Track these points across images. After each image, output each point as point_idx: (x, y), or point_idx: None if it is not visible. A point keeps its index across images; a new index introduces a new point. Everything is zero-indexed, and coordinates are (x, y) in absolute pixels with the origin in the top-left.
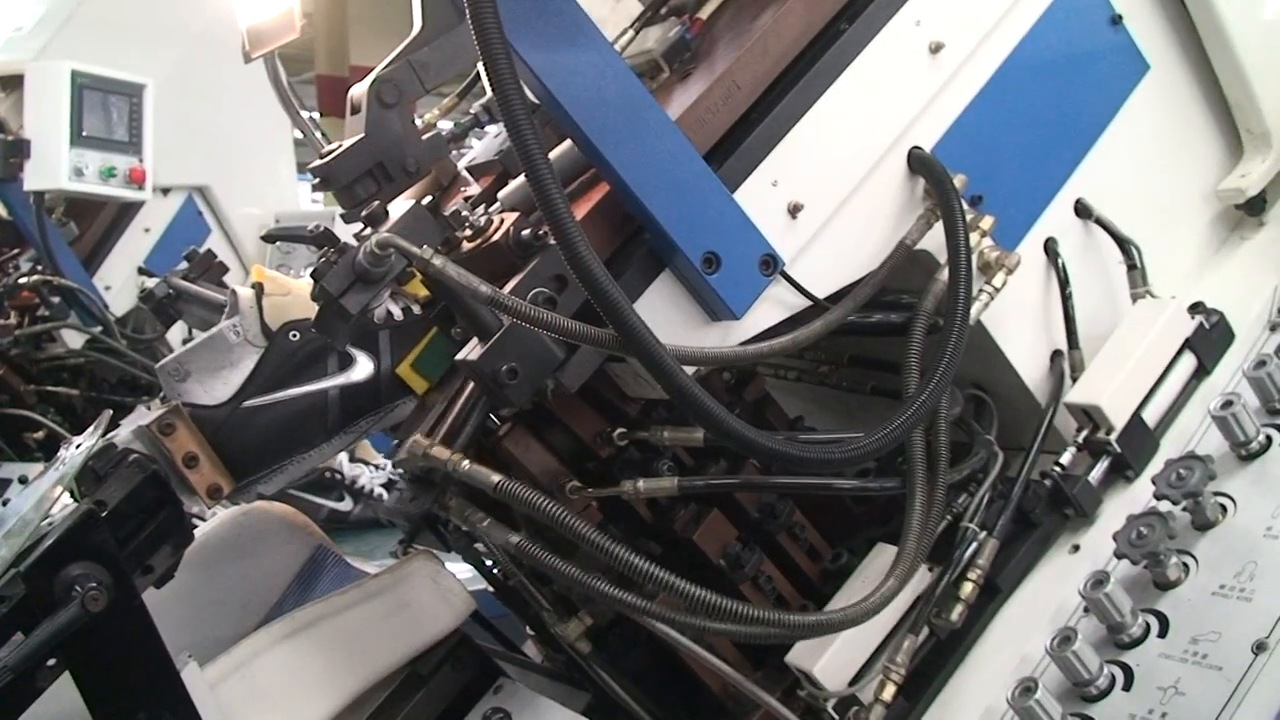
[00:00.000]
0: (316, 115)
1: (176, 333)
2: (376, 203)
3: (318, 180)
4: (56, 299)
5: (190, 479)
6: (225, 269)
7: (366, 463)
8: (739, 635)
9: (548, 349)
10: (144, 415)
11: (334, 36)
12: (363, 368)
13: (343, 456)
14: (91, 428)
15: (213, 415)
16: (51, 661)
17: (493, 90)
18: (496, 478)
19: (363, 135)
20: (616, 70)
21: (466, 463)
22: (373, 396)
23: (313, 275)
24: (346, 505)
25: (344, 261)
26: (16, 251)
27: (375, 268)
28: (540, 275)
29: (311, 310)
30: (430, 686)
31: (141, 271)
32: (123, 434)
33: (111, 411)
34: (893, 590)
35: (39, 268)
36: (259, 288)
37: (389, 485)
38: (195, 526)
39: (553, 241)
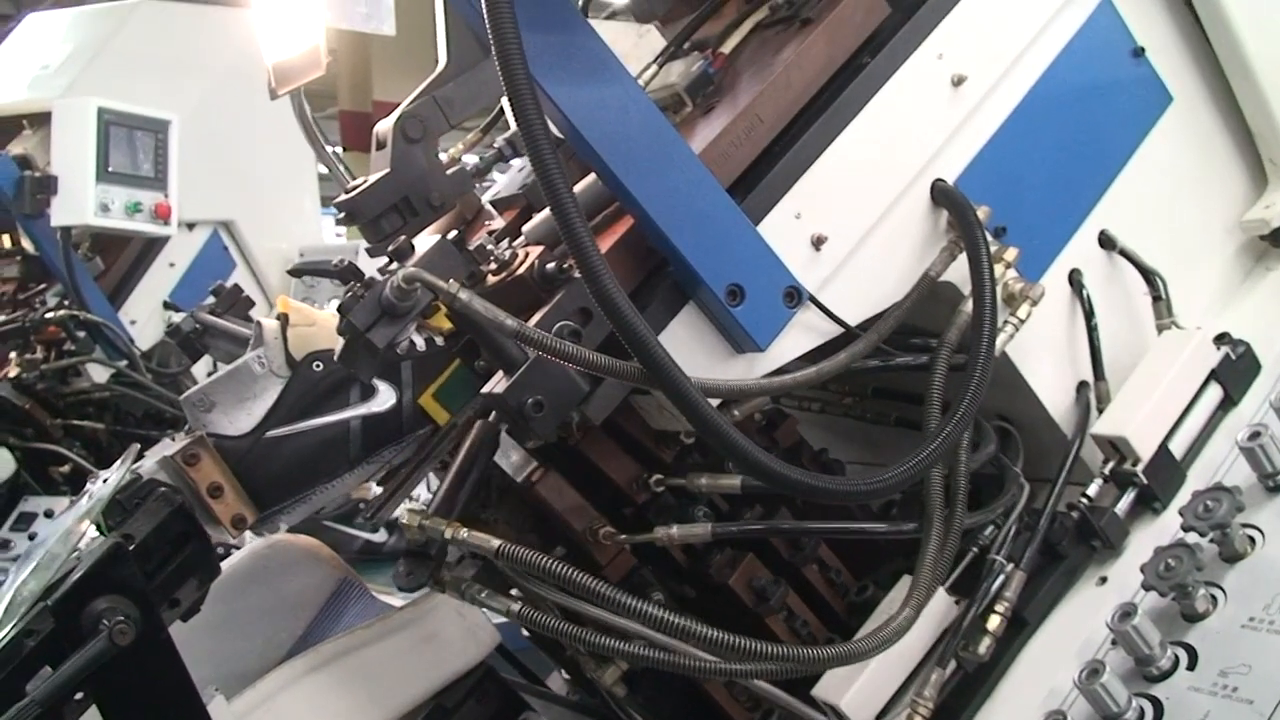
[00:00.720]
0: (340, 150)
1: (202, 367)
2: (403, 238)
3: (342, 215)
4: (82, 333)
5: (215, 509)
6: (251, 303)
7: (411, 498)
8: (761, 673)
9: (573, 382)
10: (169, 446)
11: (357, 72)
12: (385, 398)
13: (375, 488)
14: (119, 462)
15: (236, 445)
16: (79, 695)
17: (518, 124)
18: (496, 543)
19: (388, 170)
20: (640, 104)
21: (465, 531)
22: (395, 427)
23: (339, 310)
24: (381, 536)
25: (370, 296)
26: (43, 286)
27: (401, 302)
28: (565, 309)
29: (335, 341)
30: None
31: (167, 306)
32: (147, 464)
33: (139, 446)
34: (908, 620)
35: (65, 302)
36: (284, 319)
37: None
38: (225, 557)
39: (577, 275)
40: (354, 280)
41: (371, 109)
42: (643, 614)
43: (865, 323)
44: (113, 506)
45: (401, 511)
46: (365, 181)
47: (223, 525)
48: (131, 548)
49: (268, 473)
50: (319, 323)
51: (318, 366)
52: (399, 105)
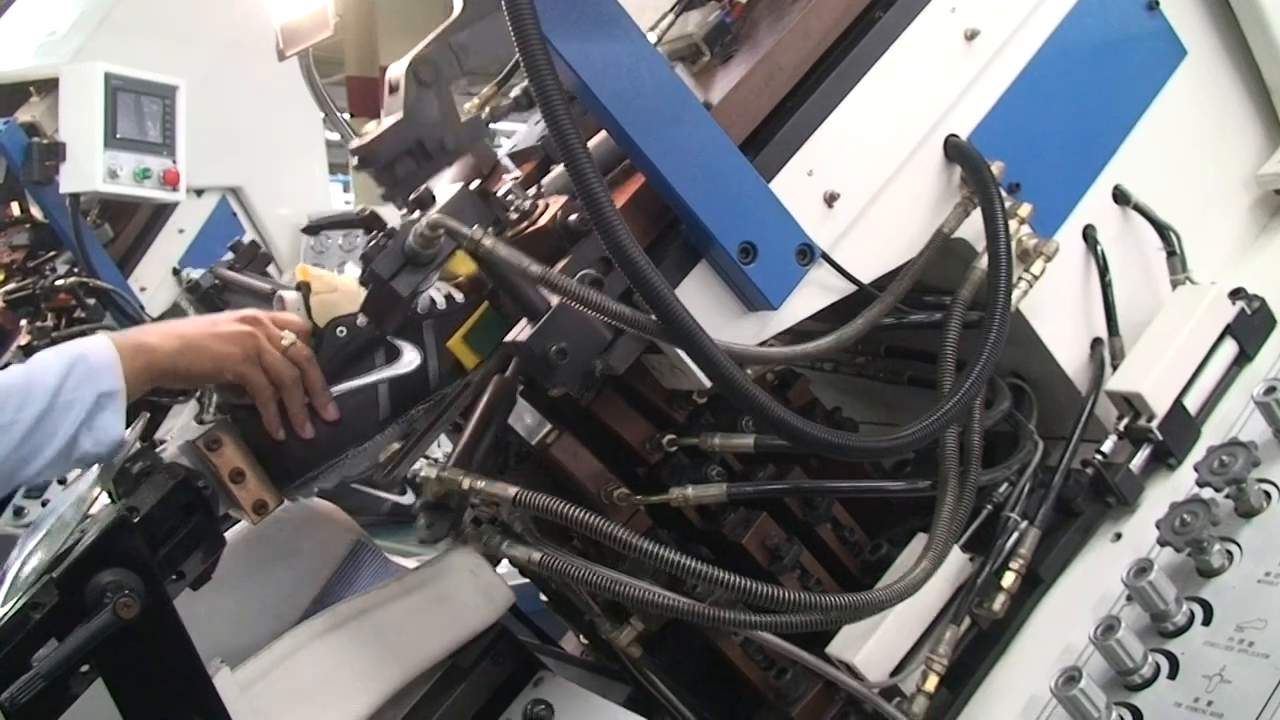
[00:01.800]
0: (347, 117)
1: None
2: (423, 187)
3: (357, 160)
4: (92, 301)
5: (237, 495)
6: (269, 259)
7: (427, 457)
8: (781, 625)
9: (596, 330)
10: (191, 430)
11: (364, 38)
12: (409, 358)
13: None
14: (128, 430)
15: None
16: (85, 668)
17: (531, 83)
18: (513, 490)
19: (400, 115)
20: (651, 62)
21: (482, 481)
22: (422, 386)
23: (362, 259)
24: (409, 499)
25: (393, 245)
26: (52, 254)
27: (425, 250)
28: (587, 258)
29: (357, 305)
30: (471, 680)
31: (176, 273)
32: (170, 449)
33: (148, 414)
34: (925, 573)
35: (75, 270)
36: (305, 287)
37: None
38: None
39: None
40: (375, 229)
41: (378, 75)
42: (661, 558)
43: (877, 280)
44: (121, 475)
45: (420, 466)
46: (378, 127)
47: (245, 511)
48: (136, 520)
49: (300, 441)
50: (340, 288)
51: (342, 332)
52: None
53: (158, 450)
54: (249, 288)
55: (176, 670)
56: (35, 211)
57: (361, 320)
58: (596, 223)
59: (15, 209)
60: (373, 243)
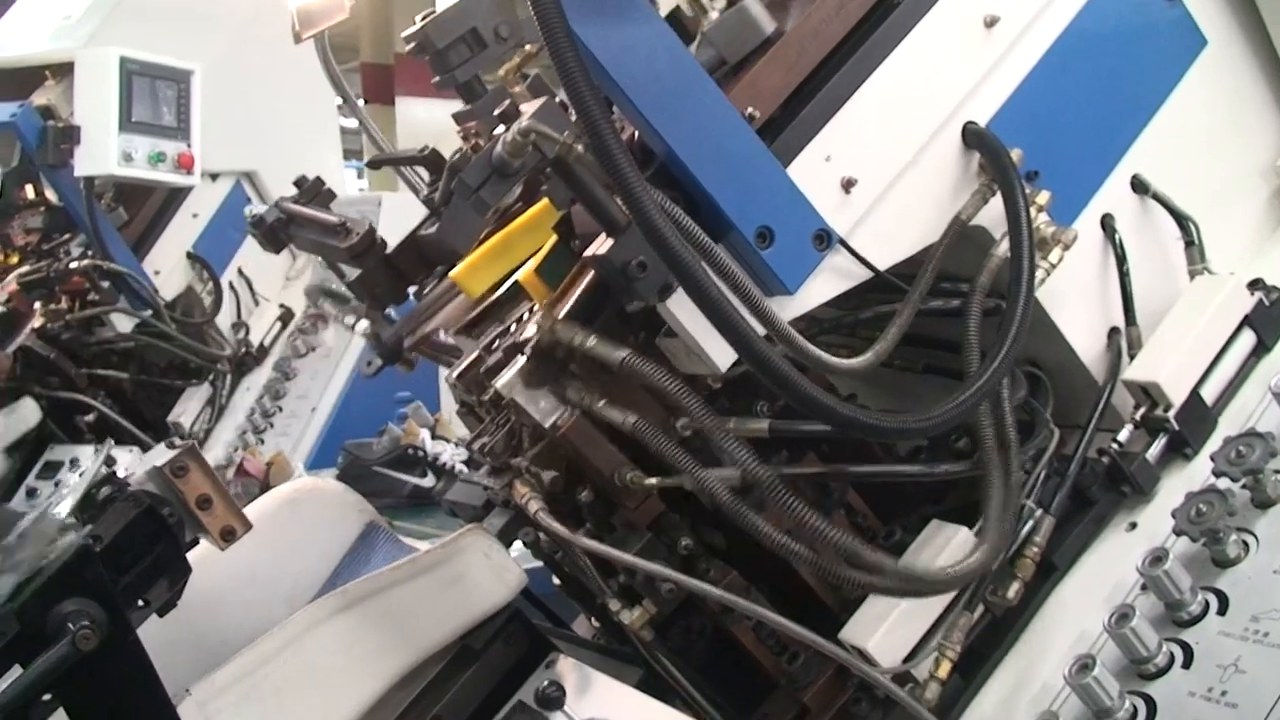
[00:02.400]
0: (362, 103)
1: (225, 318)
2: (506, 101)
3: (411, 45)
4: (106, 284)
5: (204, 521)
6: (333, 195)
7: (448, 440)
8: (874, 586)
9: None
10: (159, 455)
11: (379, 24)
12: None
13: (425, 434)
14: (94, 453)
15: None
16: (47, 697)
17: (559, 72)
18: (623, 353)
19: (457, 1)
20: (669, 45)
21: (593, 339)
22: None
23: (450, 170)
24: (430, 482)
25: (481, 155)
26: (67, 237)
27: (514, 159)
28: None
29: None
30: (483, 661)
31: (190, 257)
32: (137, 475)
33: (112, 441)
34: (990, 554)
35: (89, 253)
36: None
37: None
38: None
39: None
40: (437, 166)
41: (393, 61)
42: (756, 474)
43: (893, 267)
44: (86, 501)
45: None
46: (432, 13)
47: (212, 537)
48: (100, 549)
49: None
50: None
51: None
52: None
53: (124, 477)
54: (316, 220)
55: (139, 701)
56: (50, 195)
57: None
58: (630, 207)
59: (30, 192)
60: (459, 154)
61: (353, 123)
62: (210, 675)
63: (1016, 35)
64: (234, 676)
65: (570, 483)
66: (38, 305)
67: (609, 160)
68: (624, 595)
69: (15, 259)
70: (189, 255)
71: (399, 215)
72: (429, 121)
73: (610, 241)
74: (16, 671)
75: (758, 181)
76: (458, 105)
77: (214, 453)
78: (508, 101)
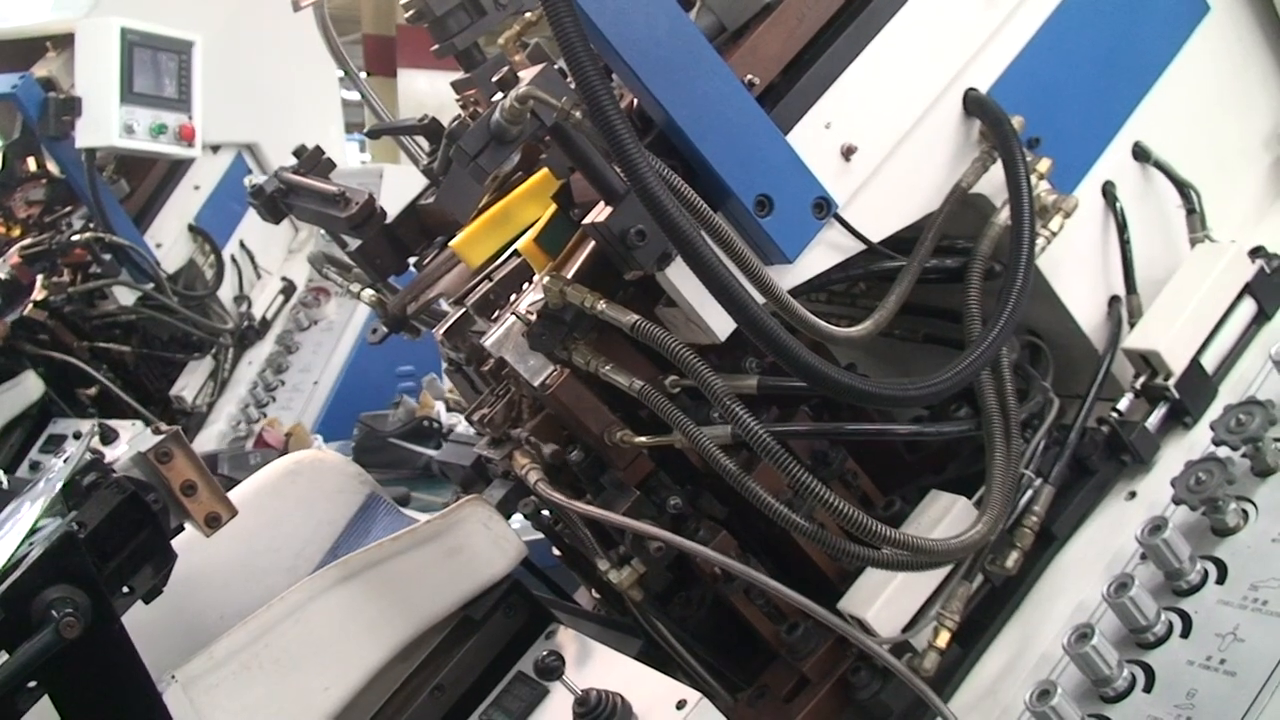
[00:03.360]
0: (364, 75)
1: (227, 290)
2: (506, 68)
3: (411, 13)
4: (108, 256)
5: (189, 507)
6: (333, 165)
7: (458, 407)
8: (867, 559)
9: None
10: (143, 440)
11: None
12: None
13: (440, 406)
14: (79, 439)
15: None
16: (32, 684)
17: (557, 40)
18: (633, 317)
19: None
20: (668, 11)
21: (603, 302)
22: None
23: (448, 137)
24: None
25: (480, 122)
26: (68, 209)
27: (512, 125)
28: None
29: None
30: (483, 631)
31: (192, 229)
32: (121, 461)
33: (96, 424)
34: (990, 526)
35: (91, 225)
36: None
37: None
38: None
39: None
40: (436, 135)
41: (395, 33)
42: (763, 441)
43: (895, 235)
44: (70, 487)
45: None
46: None
47: (197, 523)
48: (84, 535)
49: None
50: None
51: None
52: (422, 29)
53: (108, 462)
54: (315, 190)
55: (124, 688)
56: (51, 167)
57: None
58: (630, 176)
59: (31, 164)
60: (457, 120)
61: (355, 95)
62: (208, 648)
63: (1018, 1)
64: (233, 649)
65: (561, 444)
66: (40, 278)
67: (607, 127)
68: (619, 563)
69: (18, 231)
70: (191, 228)
71: (401, 187)
72: (431, 93)
73: (609, 209)
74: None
75: (757, 149)
76: (460, 77)
77: (217, 426)
78: (506, 69)
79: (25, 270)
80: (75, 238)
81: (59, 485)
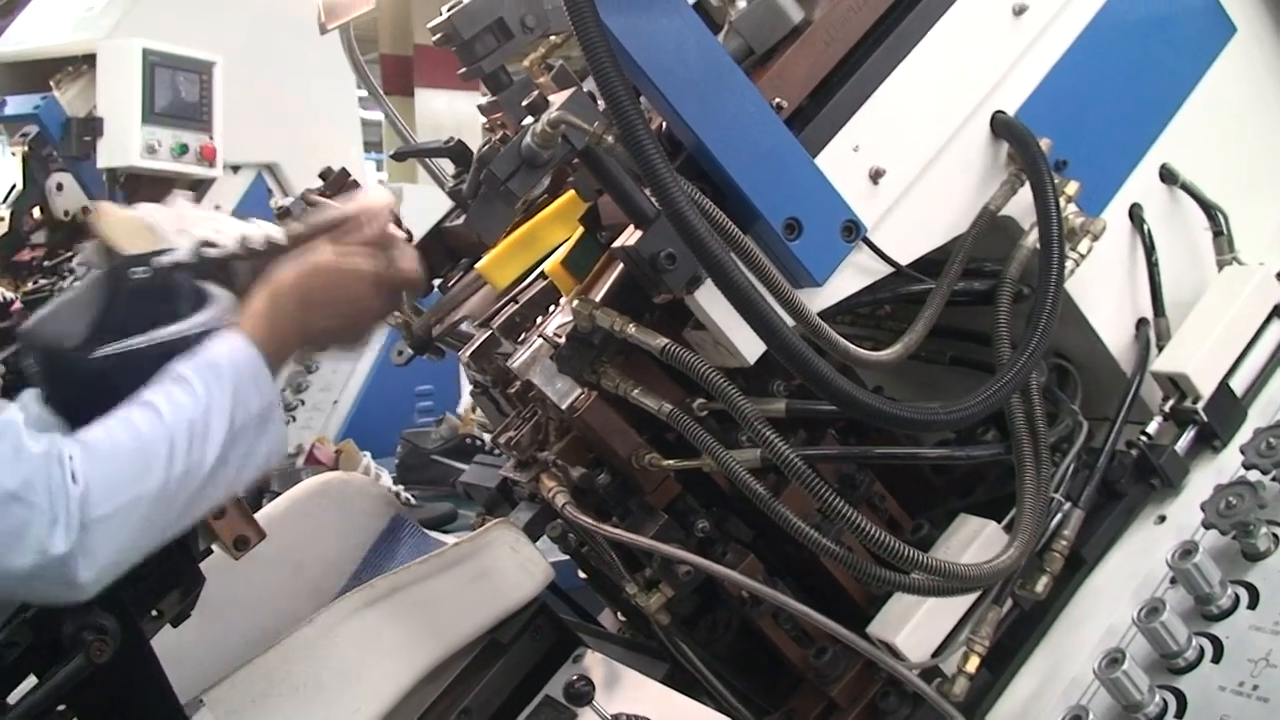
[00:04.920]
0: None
1: None
2: (535, 93)
3: (438, 36)
4: None
5: (216, 529)
6: (357, 185)
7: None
8: (899, 584)
9: None
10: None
11: (398, 15)
12: (223, 303)
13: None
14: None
15: (65, 358)
16: (61, 707)
17: (592, 70)
18: (663, 341)
19: None
20: (697, 34)
21: (633, 326)
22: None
23: (479, 161)
24: None
25: (510, 146)
26: (70, 254)
27: (543, 149)
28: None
29: (152, 243)
30: (510, 654)
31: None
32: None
33: None
34: (1021, 550)
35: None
36: (98, 235)
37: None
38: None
39: None
40: (463, 158)
41: (412, 53)
42: (793, 466)
43: (923, 258)
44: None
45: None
46: (459, 4)
47: (225, 545)
48: None
49: (112, 391)
50: (134, 226)
51: (138, 273)
52: (440, 49)
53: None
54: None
55: (153, 712)
56: (54, 211)
57: (160, 261)
58: (661, 201)
59: (36, 211)
60: (486, 145)
61: (371, 114)
62: (237, 671)
63: (1045, 23)
64: (262, 672)
65: (588, 466)
66: None
67: (639, 151)
68: (647, 586)
69: (29, 286)
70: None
71: (420, 206)
72: (448, 113)
73: (638, 233)
74: (31, 682)
75: (786, 172)
76: (477, 97)
77: None
78: (535, 93)
79: (25, 316)
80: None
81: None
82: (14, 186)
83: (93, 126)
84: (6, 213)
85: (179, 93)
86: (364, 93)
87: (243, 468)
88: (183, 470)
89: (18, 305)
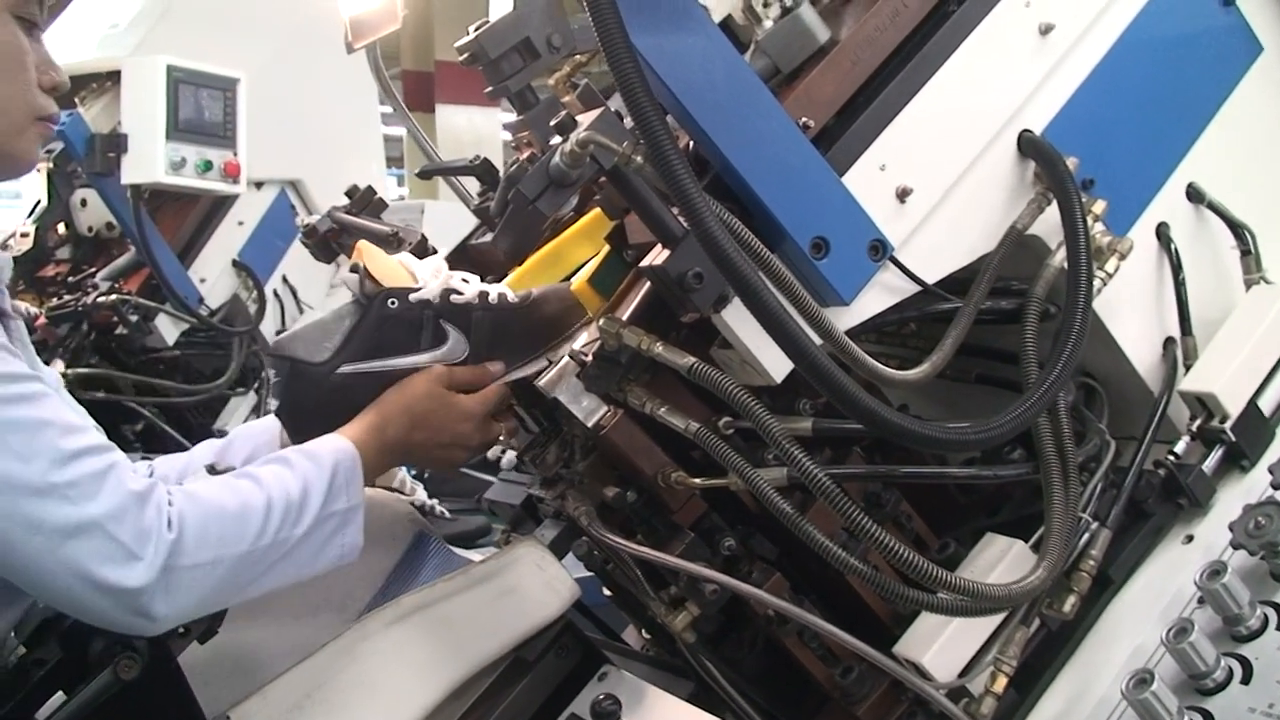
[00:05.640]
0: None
1: (270, 325)
2: (564, 113)
3: (465, 56)
4: (135, 318)
5: None
6: (384, 204)
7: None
8: (928, 605)
9: None
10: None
11: (419, 31)
12: (456, 348)
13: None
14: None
15: (309, 370)
16: None
17: (621, 92)
18: (690, 360)
19: (511, 10)
20: (724, 54)
21: (660, 345)
22: None
23: (507, 180)
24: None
25: (539, 166)
26: (93, 270)
27: (572, 169)
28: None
29: (408, 281)
30: (535, 672)
31: (236, 265)
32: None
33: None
34: (1050, 571)
35: (117, 285)
36: (362, 270)
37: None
38: None
39: None
40: (489, 176)
41: (434, 69)
42: (822, 485)
43: (949, 277)
44: None
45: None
46: (485, 23)
47: None
48: None
49: (335, 406)
50: (392, 266)
51: (393, 304)
52: (460, 65)
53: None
54: (369, 230)
55: None
56: (78, 227)
57: (414, 297)
58: (690, 220)
59: (61, 228)
60: (516, 164)
61: (390, 130)
62: (263, 689)
63: (1071, 42)
64: (288, 690)
65: (613, 484)
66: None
67: (669, 171)
68: (673, 604)
69: (52, 302)
70: (234, 263)
71: (442, 223)
72: (468, 129)
73: (666, 252)
74: (59, 699)
75: (813, 192)
76: (497, 113)
77: None
78: (564, 113)
79: (51, 332)
80: (101, 300)
81: None
82: (38, 202)
83: (117, 143)
84: (32, 229)
85: (203, 109)
86: (385, 108)
87: (317, 556)
88: (269, 543)
89: (42, 320)
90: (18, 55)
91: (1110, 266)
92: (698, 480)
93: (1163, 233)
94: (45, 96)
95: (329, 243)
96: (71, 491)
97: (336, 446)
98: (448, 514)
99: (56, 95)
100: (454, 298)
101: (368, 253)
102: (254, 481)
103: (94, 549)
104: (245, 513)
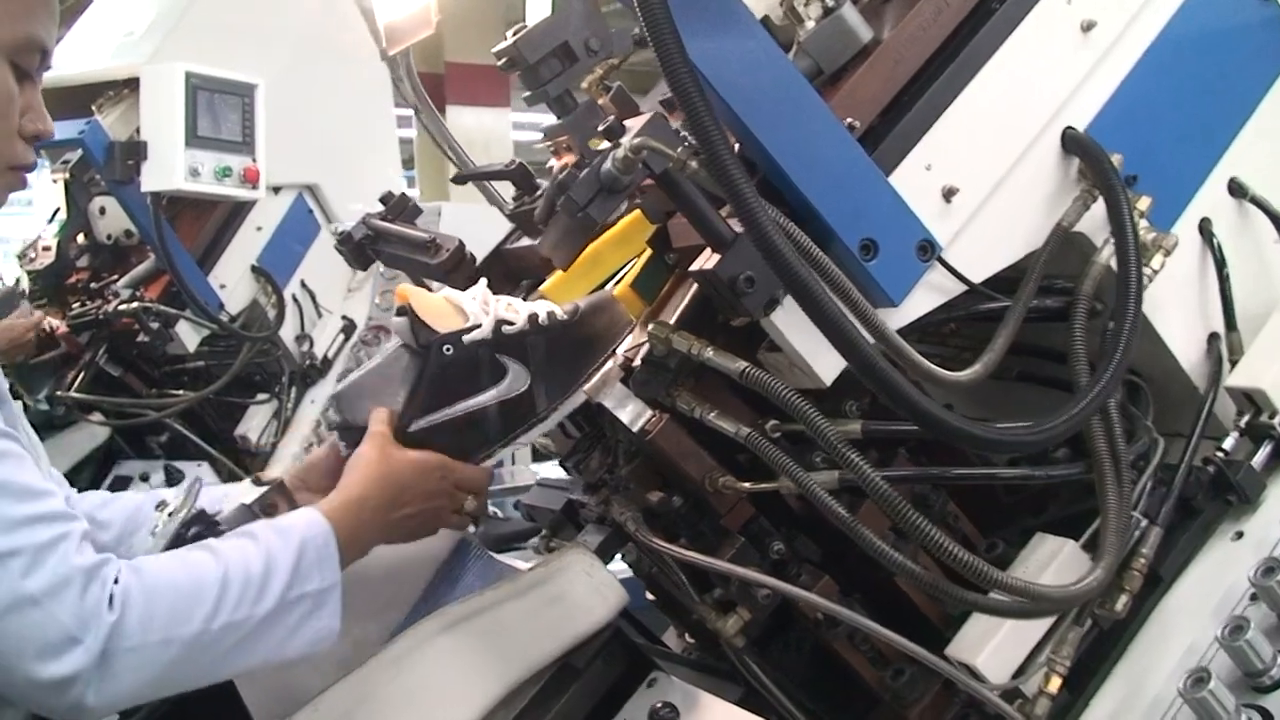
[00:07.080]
0: (413, 112)
1: (289, 330)
2: (611, 117)
3: (503, 61)
4: (156, 325)
5: None
6: (419, 211)
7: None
8: (986, 607)
9: None
10: (248, 493)
11: (430, 35)
12: (518, 380)
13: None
14: (181, 493)
15: None
16: None
17: (677, 98)
18: (742, 364)
19: (549, 15)
20: (771, 56)
21: (711, 349)
22: (529, 407)
23: (557, 186)
24: None
25: (589, 172)
26: (115, 277)
27: (623, 175)
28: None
29: (458, 322)
30: (584, 680)
31: (255, 270)
32: (226, 512)
33: (200, 480)
34: (1107, 570)
35: (138, 293)
36: (409, 311)
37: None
38: None
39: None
40: (524, 181)
41: (443, 70)
42: (878, 489)
43: (997, 275)
44: (176, 540)
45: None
46: (523, 27)
47: None
48: None
49: None
50: (439, 305)
51: (448, 351)
52: (470, 65)
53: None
54: (403, 236)
55: None
56: (97, 235)
57: (468, 339)
58: (747, 224)
59: (80, 236)
60: (565, 170)
61: (400, 132)
62: (312, 702)
63: (1113, 39)
64: (336, 702)
65: (658, 489)
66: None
67: (725, 176)
68: (720, 608)
69: (73, 309)
70: (253, 268)
71: (459, 226)
72: (478, 129)
73: (716, 256)
74: None
75: (861, 193)
76: (506, 112)
77: (280, 466)
78: (611, 118)
79: (73, 340)
80: (123, 308)
81: (164, 541)
82: (56, 211)
83: (136, 150)
84: (54, 242)
85: (222, 116)
86: (399, 111)
87: (286, 641)
88: (224, 623)
89: (63, 330)
90: (2, 103)
91: (1155, 263)
92: (747, 485)
93: (1206, 228)
94: (24, 146)
95: (363, 249)
96: (13, 561)
97: (309, 520)
98: (499, 514)
99: (38, 144)
100: (505, 329)
101: (413, 295)
102: (211, 554)
103: (29, 627)
104: (198, 589)
